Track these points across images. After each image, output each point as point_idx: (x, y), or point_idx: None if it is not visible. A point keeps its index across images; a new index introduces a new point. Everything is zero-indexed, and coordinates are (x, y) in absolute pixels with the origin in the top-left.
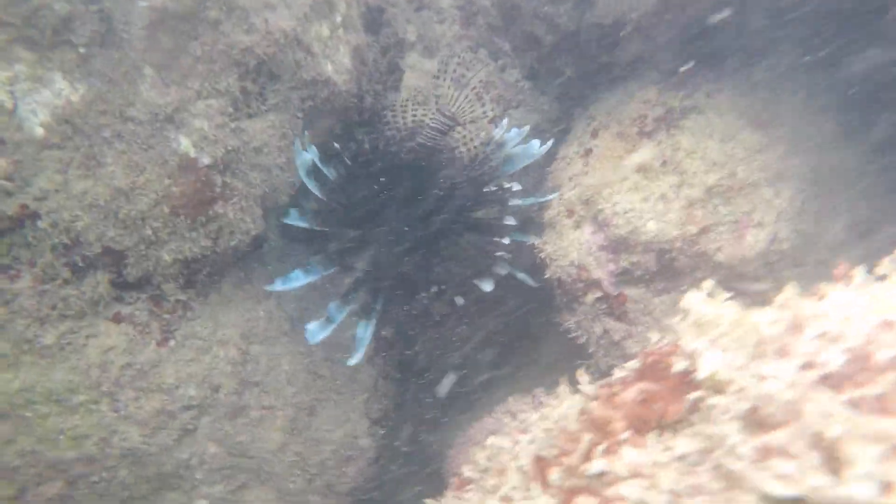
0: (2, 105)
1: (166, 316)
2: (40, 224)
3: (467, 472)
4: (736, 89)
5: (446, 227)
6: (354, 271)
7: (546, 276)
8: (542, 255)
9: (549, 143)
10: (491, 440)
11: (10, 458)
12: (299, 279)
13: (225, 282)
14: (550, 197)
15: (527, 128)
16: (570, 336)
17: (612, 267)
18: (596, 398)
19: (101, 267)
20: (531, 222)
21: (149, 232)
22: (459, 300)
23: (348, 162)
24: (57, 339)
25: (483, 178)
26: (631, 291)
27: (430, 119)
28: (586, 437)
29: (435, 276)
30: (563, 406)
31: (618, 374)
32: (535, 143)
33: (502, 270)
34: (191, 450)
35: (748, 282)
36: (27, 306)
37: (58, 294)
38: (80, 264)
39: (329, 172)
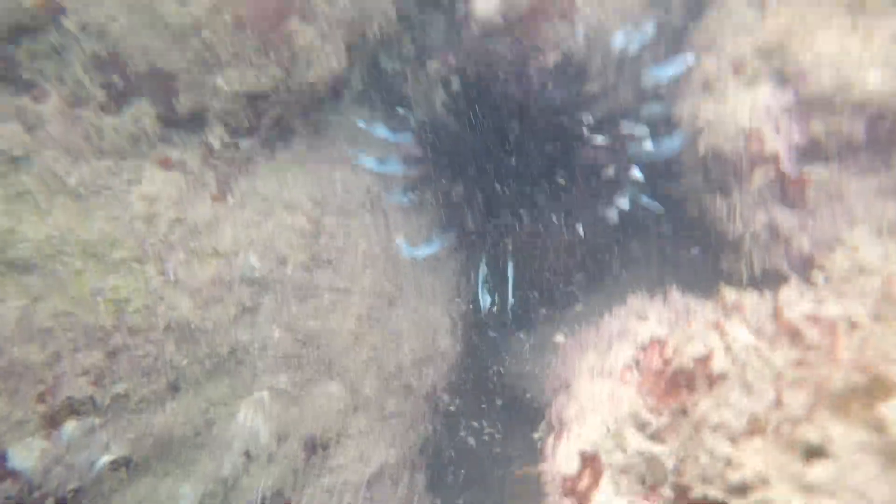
0: None
1: (223, 166)
2: (66, 24)
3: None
4: None
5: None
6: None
7: (700, 151)
8: (698, 122)
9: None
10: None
11: (42, 319)
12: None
13: (296, 136)
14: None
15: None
16: (716, 229)
17: (797, 137)
18: None
19: (146, 93)
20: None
21: (205, 48)
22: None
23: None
24: (92, 179)
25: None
26: (819, 171)
27: None
28: None
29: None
30: None
31: None
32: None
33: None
34: (251, 331)
35: None
36: (55, 134)
37: (92, 123)
38: (120, 86)
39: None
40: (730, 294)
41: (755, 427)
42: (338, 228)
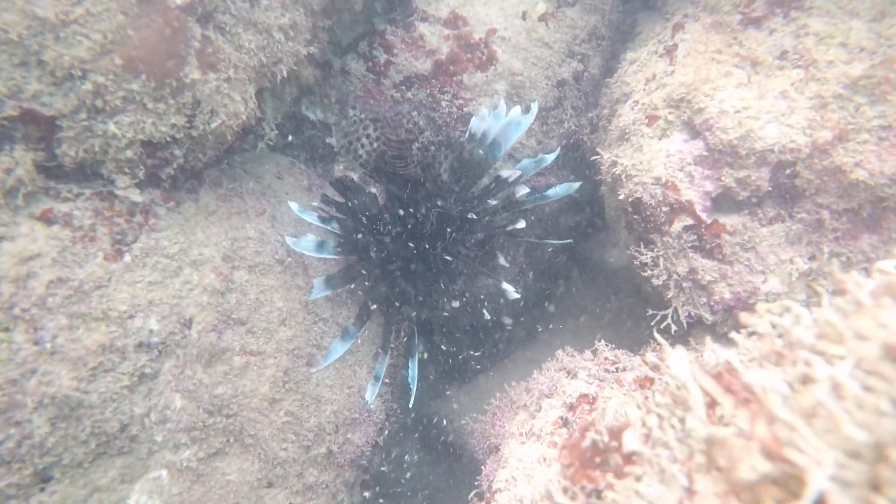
0: None
1: (119, 221)
2: None
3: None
4: None
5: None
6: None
7: (620, 198)
8: (617, 170)
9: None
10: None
11: None
12: (337, 350)
13: (204, 188)
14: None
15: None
16: (643, 275)
17: (709, 186)
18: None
19: (20, 139)
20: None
21: (91, 90)
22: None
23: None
24: None
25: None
26: (730, 220)
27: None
28: None
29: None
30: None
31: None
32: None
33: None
34: (148, 402)
35: (892, 212)
36: None
37: None
38: None
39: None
40: (652, 355)
41: None
42: (250, 285)
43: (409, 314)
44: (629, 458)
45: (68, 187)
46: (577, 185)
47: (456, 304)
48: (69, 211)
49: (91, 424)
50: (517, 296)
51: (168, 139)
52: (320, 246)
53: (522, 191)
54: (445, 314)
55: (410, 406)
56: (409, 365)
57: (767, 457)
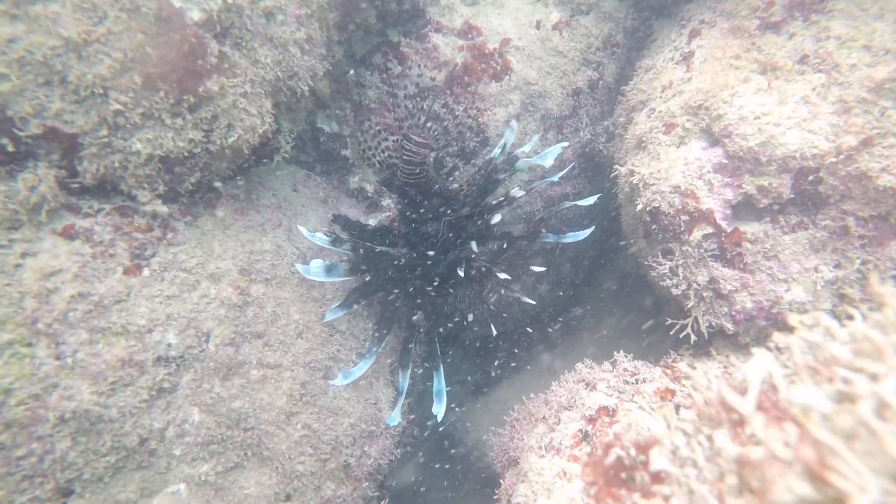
0: None
1: (138, 235)
2: None
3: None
4: None
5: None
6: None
7: (638, 208)
8: (634, 179)
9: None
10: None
11: None
12: (361, 367)
13: (221, 201)
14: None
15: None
16: (662, 285)
17: (729, 194)
18: None
19: (43, 156)
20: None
21: (112, 109)
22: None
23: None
24: None
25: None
26: (751, 228)
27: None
28: None
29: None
30: None
31: None
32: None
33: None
34: (167, 416)
35: None
36: None
37: None
38: (10, 149)
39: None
40: (677, 366)
41: None
42: (267, 298)
43: (429, 327)
44: (656, 477)
45: (89, 203)
46: (589, 231)
47: (470, 316)
48: (90, 226)
49: (111, 438)
50: (532, 302)
51: (186, 154)
52: (329, 270)
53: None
54: (465, 324)
55: (440, 420)
56: (435, 377)
57: (809, 479)
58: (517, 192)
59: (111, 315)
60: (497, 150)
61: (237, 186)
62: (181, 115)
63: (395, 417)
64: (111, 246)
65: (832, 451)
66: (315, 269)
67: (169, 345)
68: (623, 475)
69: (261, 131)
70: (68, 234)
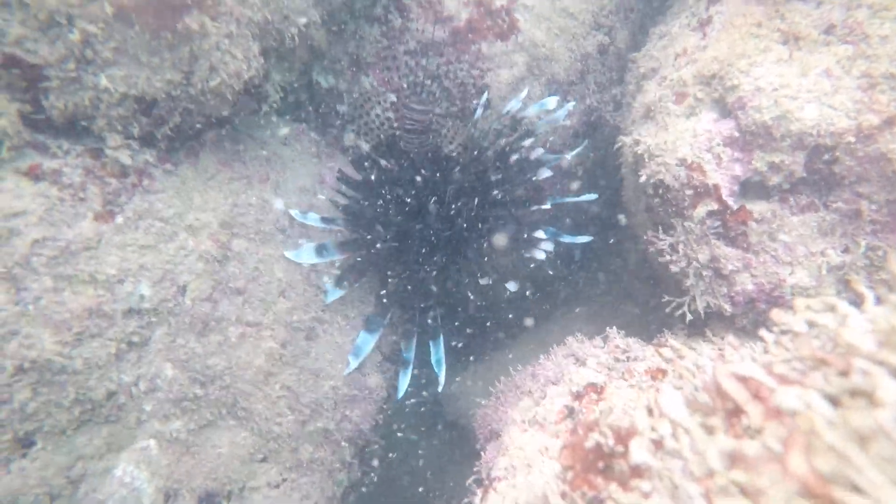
0: None
1: (112, 181)
2: None
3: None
4: None
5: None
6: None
7: (641, 179)
8: (639, 150)
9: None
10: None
11: None
12: (367, 343)
13: (204, 150)
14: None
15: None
16: (660, 261)
17: (738, 169)
18: None
19: (3, 87)
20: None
21: (78, 39)
22: (511, 286)
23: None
24: None
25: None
26: (758, 206)
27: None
28: None
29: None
30: None
31: None
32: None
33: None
34: (137, 371)
35: None
36: None
37: None
38: None
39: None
40: (667, 349)
41: None
42: (249, 254)
43: (430, 296)
44: (637, 469)
45: (58, 143)
46: (587, 239)
47: (485, 280)
48: (58, 168)
49: (75, 391)
50: (543, 256)
51: (164, 96)
52: (320, 250)
53: (537, 154)
54: (470, 295)
55: (440, 390)
56: (433, 348)
57: (809, 495)
58: (538, 151)
59: (79, 262)
60: (513, 105)
61: (222, 136)
62: (158, 54)
63: (401, 387)
64: (81, 189)
65: (842, 458)
66: (306, 255)
67: (141, 296)
68: (601, 463)
69: (246, 77)
70: (34, 175)
